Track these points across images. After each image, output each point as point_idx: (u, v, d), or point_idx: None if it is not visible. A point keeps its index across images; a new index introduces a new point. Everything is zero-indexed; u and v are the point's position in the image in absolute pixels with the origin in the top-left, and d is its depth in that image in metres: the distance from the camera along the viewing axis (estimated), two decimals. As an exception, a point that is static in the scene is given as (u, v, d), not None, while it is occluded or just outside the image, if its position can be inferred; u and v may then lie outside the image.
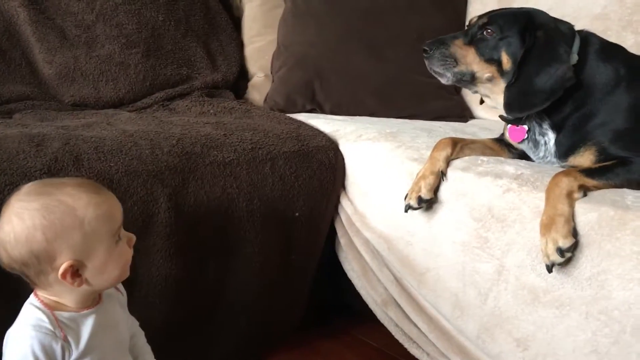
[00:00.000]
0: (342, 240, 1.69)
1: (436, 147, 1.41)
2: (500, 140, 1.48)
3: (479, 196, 1.31)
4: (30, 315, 0.98)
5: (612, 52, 1.33)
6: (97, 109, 1.96)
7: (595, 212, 1.12)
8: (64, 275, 0.96)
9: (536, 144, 1.37)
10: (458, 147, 1.41)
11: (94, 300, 1.05)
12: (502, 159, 1.42)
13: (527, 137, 1.37)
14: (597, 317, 1.09)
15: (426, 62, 1.37)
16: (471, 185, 1.34)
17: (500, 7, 1.58)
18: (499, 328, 1.26)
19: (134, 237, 1.07)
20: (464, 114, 2.14)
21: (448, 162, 1.39)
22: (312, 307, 1.74)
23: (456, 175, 1.38)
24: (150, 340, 1.22)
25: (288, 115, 1.92)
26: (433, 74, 1.39)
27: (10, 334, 0.98)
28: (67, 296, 1.01)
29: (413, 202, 1.38)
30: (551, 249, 1.11)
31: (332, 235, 1.72)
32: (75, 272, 0.98)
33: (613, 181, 1.19)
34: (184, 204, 1.39)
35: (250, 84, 2.29)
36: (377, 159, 1.58)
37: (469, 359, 1.35)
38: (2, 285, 1.13)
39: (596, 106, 1.27)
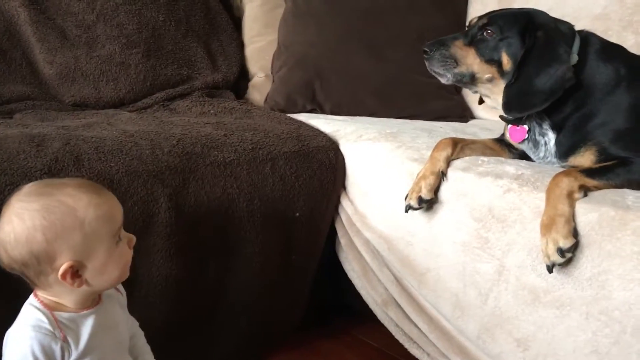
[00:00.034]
0: (342, 240, 1.69)
1: (436, 147, 1.41)
2: (501, 141, 1.48)
3: (480, 196, 1.31)
4: (30, 316, 0.98)
5: (613, 52, 1.32)
6: (98, 109, 1.96)
7: (595, 213, 1.12)
8: (63, 275, 0.96)
9: (536, 144, 1.37)
10: (458, 147, 1.41)
11: (93, 301, 1.05)
12: (502, 159, 1.42)
13: (528, 137, 1.37)
14: (598, 317, 1.09)
15: (426, 63, 1.37)
16: (472, 185, 1.34)
17: (501, 7, 1.58)
18: (499, 328, 1.26)
19: (134, 238, 1.07)
20: (464, 114, 2.13)
21: (448, 162, 1.39)
22: (312, 307, 1.74)
23: (457, 175, 1.38)
24: (150, 340, 1.22)
25: (288, 115, 1.92)
26: (433, 74, 1.39)
27: (10, 334, 0.98)
28: (67, 297, 1.01)
29: (413, 202, 1.38)
30: (552, 249, 1.11)
31: (332, 235, 1.72)
32: (75, 272, 0.98)
33: (613, 181, 1.19)
34: (185, 204, 1.39)
35: (250, 84, 2.29)
36: (377, 159, 1.58)
37: (470, 359, 1.35)
38: (2, 285, 1.13)
39: (596, 106, 1.27)
